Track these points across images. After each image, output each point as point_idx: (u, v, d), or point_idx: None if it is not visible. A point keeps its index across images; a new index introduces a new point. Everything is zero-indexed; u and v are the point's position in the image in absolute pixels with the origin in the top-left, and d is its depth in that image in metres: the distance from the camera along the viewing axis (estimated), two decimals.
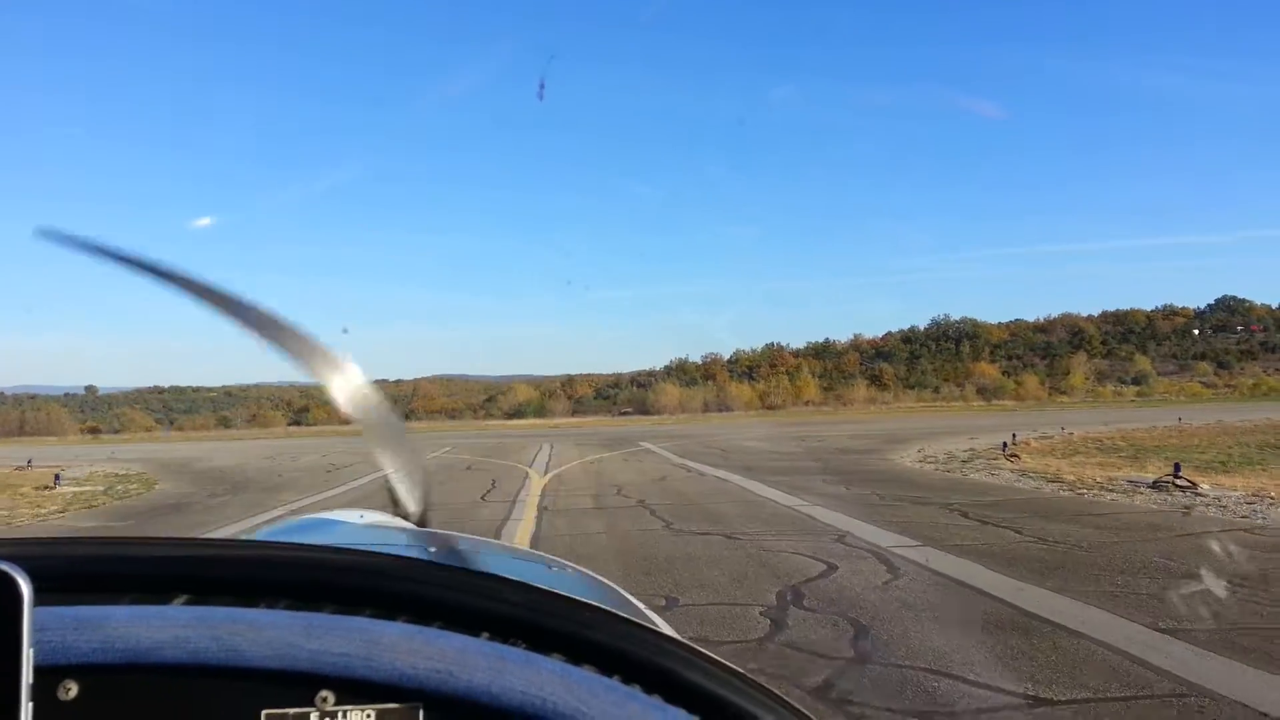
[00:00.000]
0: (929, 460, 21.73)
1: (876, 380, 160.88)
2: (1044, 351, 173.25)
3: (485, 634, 0.61)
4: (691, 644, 0.65)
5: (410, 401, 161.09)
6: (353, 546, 0.74)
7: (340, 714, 0.58)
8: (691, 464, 22.46)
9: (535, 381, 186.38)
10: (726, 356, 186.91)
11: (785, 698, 0.66)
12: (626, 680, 0.61)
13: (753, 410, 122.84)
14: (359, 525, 1.23)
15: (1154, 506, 11.41)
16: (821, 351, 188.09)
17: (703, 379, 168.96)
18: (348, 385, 0.92)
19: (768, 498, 13.63)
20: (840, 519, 10.87)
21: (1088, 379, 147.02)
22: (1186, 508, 11.12)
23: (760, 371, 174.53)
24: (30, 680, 0.50)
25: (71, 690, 0.57)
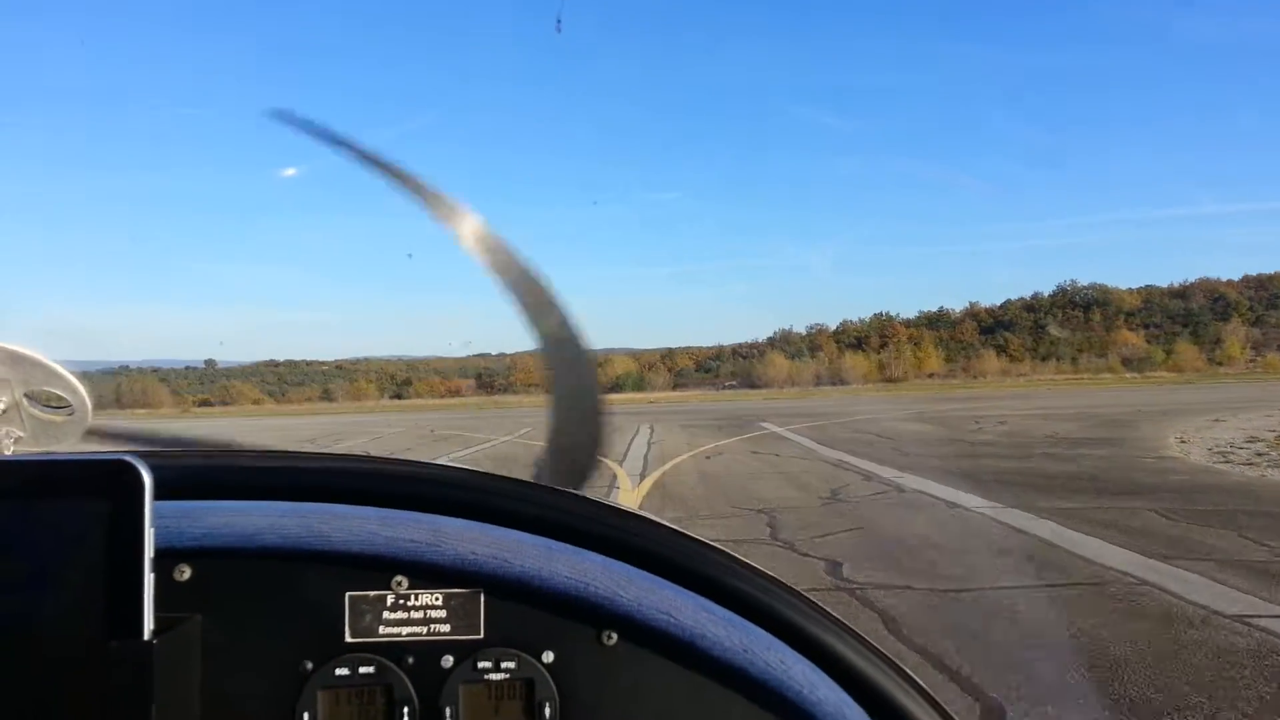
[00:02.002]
0: (1222, 455, 14.07)
1: (1003, 350, 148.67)
2: (1183, 319, 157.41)
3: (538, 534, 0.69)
4: (734, 554, 0.70)
5: (509, 375, 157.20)
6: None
7: (413, 596, 0.67)
8: (855, 461, 15.13)
9: (634, 354, 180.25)
10: (833, 327, 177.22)
11: (826, 609, 0.68)
12: (665, 578, 0.68)
13: (871, 383, 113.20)
14: None
15: None
16: (935, 321, 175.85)
17: (809, 350, 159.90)
18: (472, 230, 0.95)
19: (1114, 568, 6.43)
20: None
21: (1245, 348, 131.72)
22: None
23: (869, 343, 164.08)
24: (152, 555, 0.56)
25: (185, 572, 0.65)
